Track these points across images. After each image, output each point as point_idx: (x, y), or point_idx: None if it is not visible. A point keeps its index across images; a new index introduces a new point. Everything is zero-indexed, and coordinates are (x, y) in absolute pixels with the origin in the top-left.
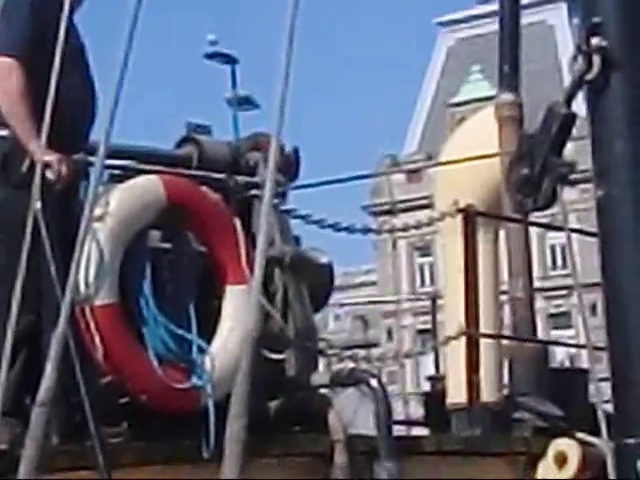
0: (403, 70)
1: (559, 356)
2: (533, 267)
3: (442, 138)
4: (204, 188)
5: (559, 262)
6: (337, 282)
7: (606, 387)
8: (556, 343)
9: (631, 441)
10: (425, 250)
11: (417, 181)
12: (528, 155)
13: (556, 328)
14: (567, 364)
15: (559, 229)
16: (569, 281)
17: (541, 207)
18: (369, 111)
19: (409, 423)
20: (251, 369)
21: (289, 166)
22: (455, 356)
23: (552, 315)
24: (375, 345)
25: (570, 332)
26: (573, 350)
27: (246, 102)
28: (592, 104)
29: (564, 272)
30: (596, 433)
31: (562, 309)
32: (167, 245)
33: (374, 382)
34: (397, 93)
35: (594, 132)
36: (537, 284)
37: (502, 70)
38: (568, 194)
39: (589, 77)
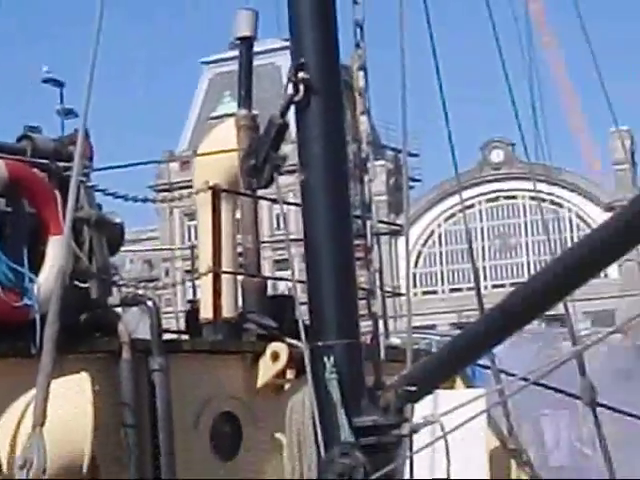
0: (179, 93)
1: (282, 287)
2: (264, 228)
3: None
4: (35, 170)
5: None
6: (129, 236)
7: (305, 308)
8: (273, 278)
9: (320, 343)
10: (193, 216)
11: (187, 169)
12: (255, 151)
13: (280, 270)
14: (286, 293)
15: (275, 201)
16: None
17: (264, 186)
18: (158, 120)
19: (174, 332)
20: (63, 293)
21: (90, 148)
22: (206, 286)
23: (277, 261)
24: (157, 280)
25: (289, 272)
26: (290, 284)
27: (70, 113)
28: (299, 118)
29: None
30: (299, 338)
31: (283, 257)
32: (9, 209)
33: (150, 303)
34: (174, 109)
35: (299, 137)
36: (266, 239)
37: (240, 95)
38: (286, 179)
39: (296, 99)
